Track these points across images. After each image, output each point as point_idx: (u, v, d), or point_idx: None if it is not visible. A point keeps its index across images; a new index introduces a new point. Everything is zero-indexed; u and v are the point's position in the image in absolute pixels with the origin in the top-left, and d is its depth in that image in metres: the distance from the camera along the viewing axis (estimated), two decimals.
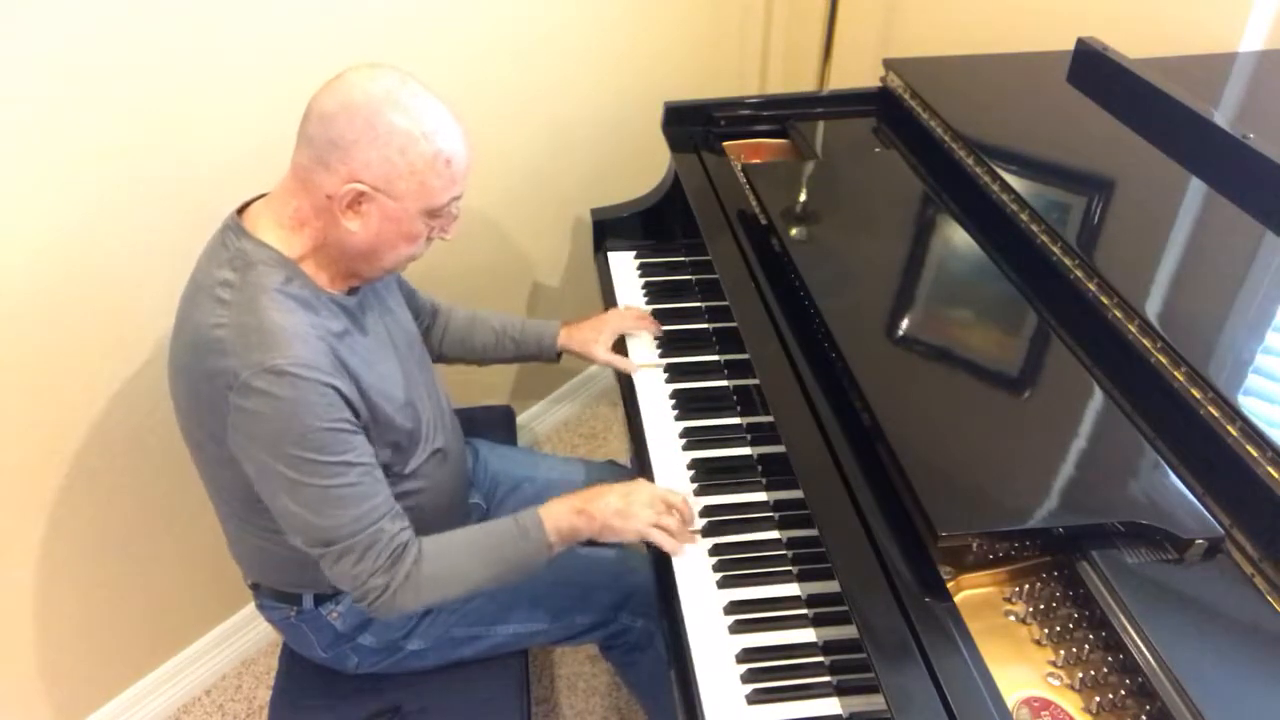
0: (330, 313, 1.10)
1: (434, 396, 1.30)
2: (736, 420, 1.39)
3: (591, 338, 1.51)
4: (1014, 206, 1.27)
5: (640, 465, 1.34)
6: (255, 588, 1.32)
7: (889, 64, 1.66)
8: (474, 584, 1.17)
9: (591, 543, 1.25)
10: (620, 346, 1.54)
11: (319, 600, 1.28)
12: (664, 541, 1.18)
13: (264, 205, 1.10)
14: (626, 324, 1.54)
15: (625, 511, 1.18)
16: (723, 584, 1.15)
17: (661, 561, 1.19)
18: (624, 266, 1.75)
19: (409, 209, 1.05)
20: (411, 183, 1.03)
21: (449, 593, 1.17)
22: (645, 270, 1.74)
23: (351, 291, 1.15)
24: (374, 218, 1.05)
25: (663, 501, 1.20)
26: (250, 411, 1.01)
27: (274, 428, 1.01)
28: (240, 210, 1.11)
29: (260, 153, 1.47)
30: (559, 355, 1.55)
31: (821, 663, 1.05)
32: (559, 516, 1.19)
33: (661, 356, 1.52)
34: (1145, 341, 1.01)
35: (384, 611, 1.13)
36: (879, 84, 1.70)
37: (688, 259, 1.74)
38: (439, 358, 1.51)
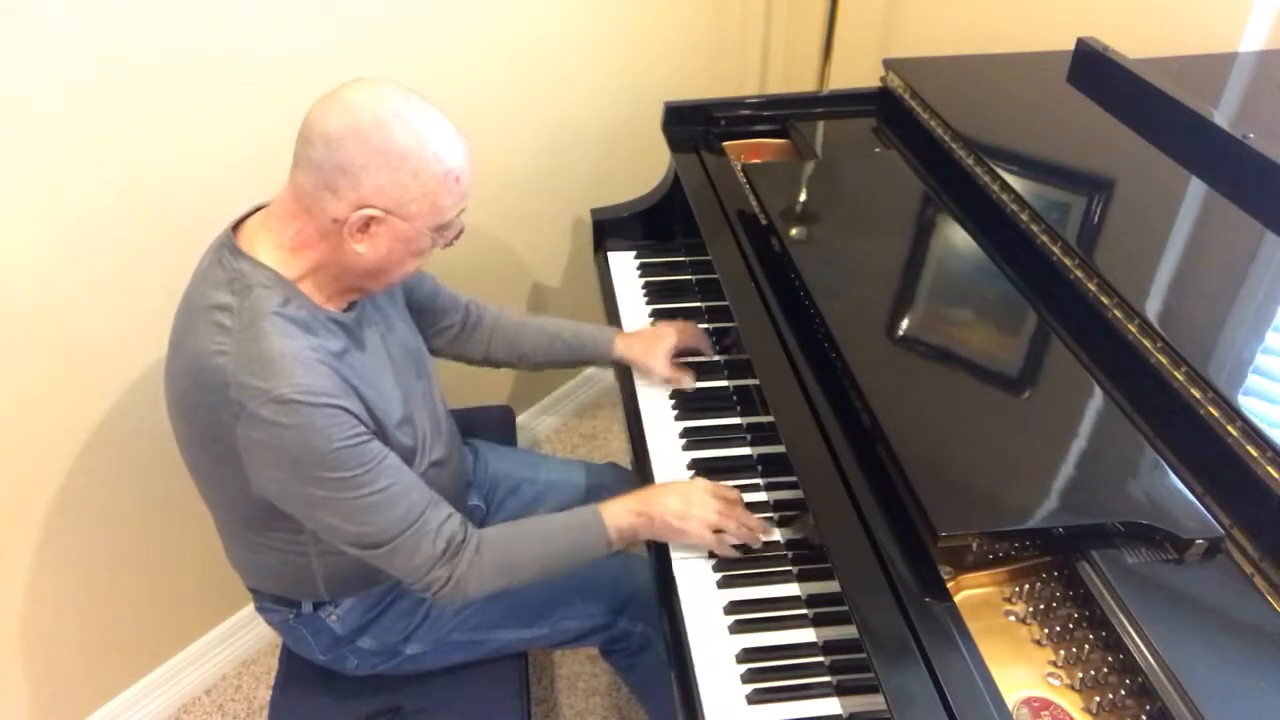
0: (329, 332, 1.08)
1: (430, 407, 1.28)
2: (736, 420, 1.39)
3: (652, 347, 1.45)
4: (1014, 206, 1.27)
5: (640, 465, 1.34)
6: (254, 591, 1.31)
7: (889, 64, 1.66)
8: (534, 575, 1.18)
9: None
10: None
11: (317, 604, 1.27)
12: (724, 551, 1.17)
13: (261, 225, 1.07)
14: (687, 337, 1.48)
15: (684, 513, 1.17)
16: (723, 584, 1.15)
17: (662, 561, 1.19)
18: (624, 266, 1.75)
19: (419, 228, 1.04)
20: (424, 204, 1.02)
21: (511, 581, 1.17)
22: (645, 270, 1.74)
23: (349, 307, 1.13)
24: (384, 239, 1.04)
25: (720, 499, 1.19)
26: (261, 442, 1.00)
27: (291, 455, 1.01)
28: (235, 225, 1.09)
29: (258, 159, 1.47)
30: (614, 363, 1.51)
31: (821, 663, 1.05)
32: (619, 516, 1.19)
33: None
34: (1145, 341, 1.01)
35: (449, 600, 1.12)
36: (879, 84, 1.70)
37: (688, 259, 1.74)
38: (485, 360, 1.50)
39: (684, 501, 1.18)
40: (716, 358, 1.50)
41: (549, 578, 1.20)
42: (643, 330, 1.51)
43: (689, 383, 1.44)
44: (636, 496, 1.21)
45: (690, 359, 1.50)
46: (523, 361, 1.51)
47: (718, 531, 1.17)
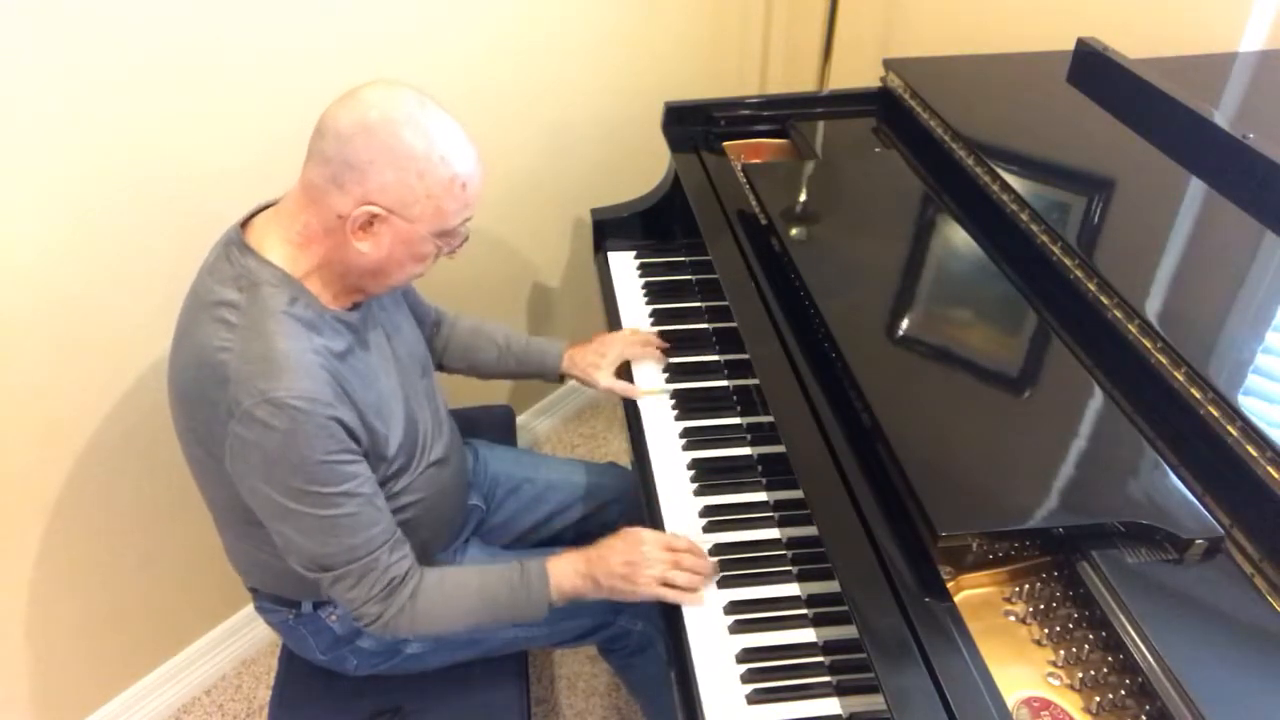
0: (334, 331, 1.08)
1: (433, 407, 1.29)
2: (736, 420, 1.39)
3: (594, 362, 1.47)
4: (1014, 206, 1.27)
5: (640, 465, 1.34)
6: (254, 591, 1.32)
7: (889, 64, 1.66)
8: (467, 625, 1.18)
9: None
10: (625, 368, 1.49)
11: (317, 604, 1.28)
12: (678, 598, 1.14)
13: (271, 219, 1.08)
14: (632, 350, 1.49)
15: (630, 575, 1.15)
16: (723, 584, 1.15)
17: None
18: (624, 266, 1.75)
19: (421, 231, 1.04)
20: (427, 206, 1.02)
21: (441, 628, 1.17)
22: (645, 270, 1.74)
23: (354, 307, 1.14)
24: (386, 239, 1.04)
25: (666, 549, 1.16)
26: (249, 441, 1.00)
27: (272, 458, 1.01)
28: (244, 222, 1.09)
29: (261, 158, 1.47)
30: (562, 378, 1.52)
31: (821, 663, 1.05)
32: (564, 576, 1.18)
33: (665, 376, 1.48)
34: (1145, 341, 1.01)
35: (378, 634, 1.14)
36: (879, 84, 1.70)
37: (688, 259, 1.74)
38: (439, 367, 1.50)
39: (628, 562, 1.15)
40: (665, 362, 1.49)
41: (485, 626, 1.20)
42: (588, 345, 1.50)
43: (636, 394, 1.43)
44: (584, 557, 1.19)
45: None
46: (474, 371, 1.52)
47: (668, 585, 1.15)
